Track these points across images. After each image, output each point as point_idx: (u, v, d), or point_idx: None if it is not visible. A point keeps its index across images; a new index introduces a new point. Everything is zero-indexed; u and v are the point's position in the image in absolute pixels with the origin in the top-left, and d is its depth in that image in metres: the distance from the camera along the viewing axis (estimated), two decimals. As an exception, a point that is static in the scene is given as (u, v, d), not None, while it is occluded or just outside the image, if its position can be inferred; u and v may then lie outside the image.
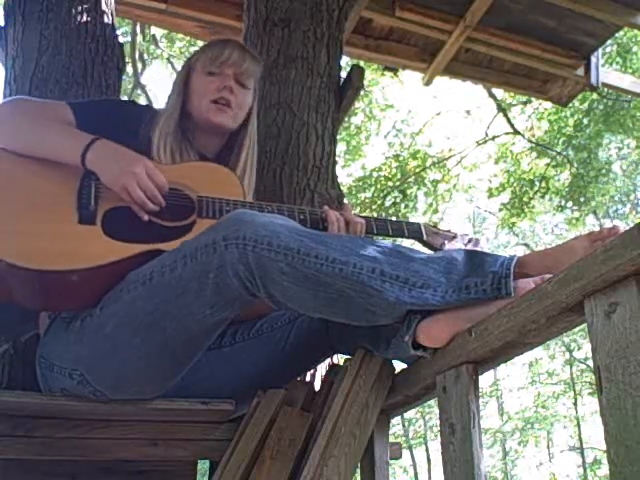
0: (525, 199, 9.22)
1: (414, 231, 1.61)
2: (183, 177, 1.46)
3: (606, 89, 5.84)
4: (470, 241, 1.67)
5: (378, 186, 9.07)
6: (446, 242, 1.63)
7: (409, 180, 9.34)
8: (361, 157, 10.49)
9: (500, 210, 10.05)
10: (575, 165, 9.11)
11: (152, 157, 1.47)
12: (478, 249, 1.63)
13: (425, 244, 1.62)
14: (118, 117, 1.51)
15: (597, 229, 1.24)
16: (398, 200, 8.89)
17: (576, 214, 9.99)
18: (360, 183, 9.24)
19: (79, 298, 1.30)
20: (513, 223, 10.17)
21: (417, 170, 9.47)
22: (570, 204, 9.42)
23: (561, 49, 3.41)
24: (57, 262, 1.25)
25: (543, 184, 9.08)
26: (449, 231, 1.67)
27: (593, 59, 3.47)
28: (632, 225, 0.77)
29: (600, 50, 3.51)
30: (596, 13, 3.14)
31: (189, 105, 1.59)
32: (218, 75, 1.57)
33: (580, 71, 3.48)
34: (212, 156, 1.62)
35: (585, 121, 8.78)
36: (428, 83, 3.59)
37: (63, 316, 1.35)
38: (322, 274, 1.14)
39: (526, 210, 9.30)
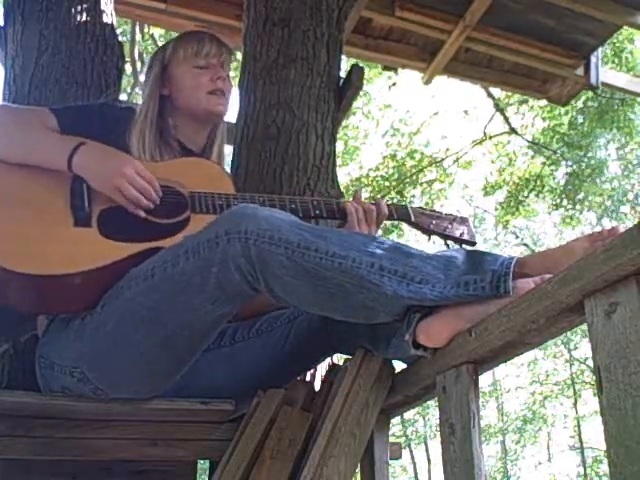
0: (520, 197, 9.25)
1: (402, 213, 1.63)
2: (172, 174, 1.47)
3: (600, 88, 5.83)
4: (455, 219, 1.66)
5: (375, 186, 9.07)
6: (433, 222, 1.63)
7: (406, 180, 9.35)
8: (359, 156, 10.50)
9: (496, 209, 10.08)
10: (570, 163, 9.13)
11: (134, 157, 1.48)
12: (464, 230, 1.63)
13: (413, 225, 1.63)
14: (100, 120, 1.52)
15: (597, 229, 1.24)
16: (395, 201, 8.90)
17: (570, 212, 10.00)
18: (357, 183, 9.24)
19: (79, 301, 1.30)
20: (507, 221, 10.20)
21: (414, 170, 9.48)
22: (565, 202, 9.43)
23: (561, 49, 3.40)
24: (57, 266, 1.25)
25: (538, 182, 9.10)
26: (434, 211, 1.68)
27: (593, 59, 3.47)
28: (632, 225, 0.78)
29: (600, 50, 3.50)
30: (596, 13, 3.14)
31: (175, 100, 1.60)
32: (206, 68, 1.60)
33: (580, 71, 3.48)
34: (198, 148, 1.64)
35: (580, 119, 8.79)
36: (428, 82, 3.59)
37: (62, 316, 1.35)
38: (321, 268, 1.14)
39: (521, 209, 9.34)
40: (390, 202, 1.71)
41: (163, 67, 1.62)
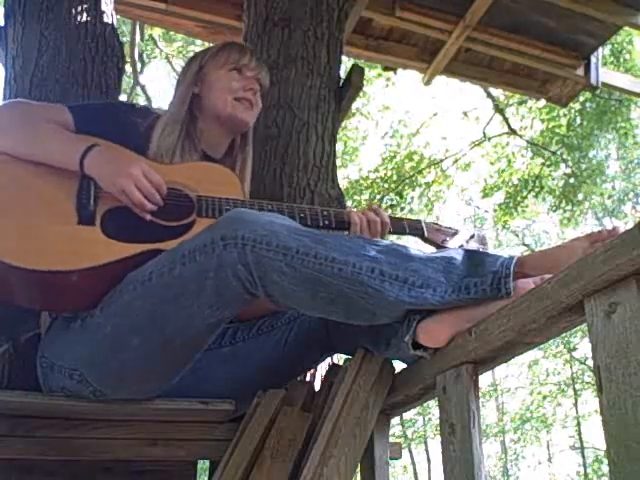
0: (519, 198, 9.26)
1: (415, 228, 1.60)
2: (182, 177, 1.46)
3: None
4: (472, 237, 1.63)
5: (374, 187, 9.07)
6: (448, 239, 1.60)
7: (405, 182, 9.36)
8: (358, 157, 10.50)
9: (495, 210, 10.09)
10: (569, 164, 9.14)
11: (150, 157, 1.48)
12: (480, 248, 1.61)
13: (427, 241, 1.60)
14: (117, 119, 1.51)
15: (597, 229, 1.24)
16: (395, 202, 8.91)
17: (568, 213, 10.01)
18: (357, 185, 9.24)
19: (79, 299, 1.30)
20: (505, 222, 10.22)
21: (413, 172, 9.49)
22: (564, 204, 9.44)
23: (561, 49, 3.40)
24: (57, 263, 1.25)
25: (537, 183, 9.11)
26: (450, 227, 1.65)
27: (593, 59, 3.47)
28: (632, 225, 0.78)
29: (600, 50, 3.50)
30: (596, 13, 3.14)
31: (203, 102, 1.60)
32: (242, 76, 1.60)
33: (580, 71, 3.48)
34: (219, 156, 1.63)
35: (578, 120, 8.80)
36: (428, 83, 3.59)
37: (64, 316, 1.35)
38: (321, 274, 1.14)
39: (519, 209, 9.35)
40: (403, 217, 1.67)
41: (200, 67, 1.62)
